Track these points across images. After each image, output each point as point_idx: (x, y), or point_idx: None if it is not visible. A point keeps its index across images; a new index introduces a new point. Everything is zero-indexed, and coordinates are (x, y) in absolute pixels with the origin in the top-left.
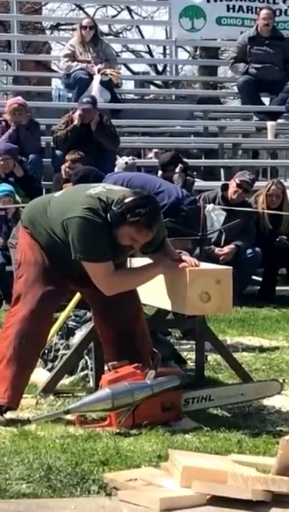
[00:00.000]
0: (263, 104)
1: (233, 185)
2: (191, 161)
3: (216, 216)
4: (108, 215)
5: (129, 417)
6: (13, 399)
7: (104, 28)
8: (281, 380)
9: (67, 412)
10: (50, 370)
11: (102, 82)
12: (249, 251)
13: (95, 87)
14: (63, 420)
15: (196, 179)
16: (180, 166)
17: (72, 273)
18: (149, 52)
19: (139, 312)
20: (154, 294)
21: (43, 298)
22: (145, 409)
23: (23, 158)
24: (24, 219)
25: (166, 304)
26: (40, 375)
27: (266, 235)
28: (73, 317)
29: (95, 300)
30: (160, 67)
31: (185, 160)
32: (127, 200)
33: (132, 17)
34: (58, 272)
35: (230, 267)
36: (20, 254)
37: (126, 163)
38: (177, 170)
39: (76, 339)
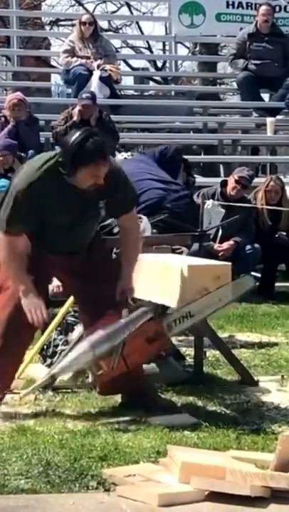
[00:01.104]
0: (262, 100)
1: (231, 181)
2: (190, 157)
3: (214, 214)
4: (58, 170)
5: (120, 360)
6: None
7: (103, 23)
8: (280, 376)
9: (53, 377)
10: (49, 365)
11: (101, 78)
12: (248, 247)
13: (94, 83)
14: (62, 416)
15: (196, 175)
16: (181, 165)
17: (60, 251)
18: (149, 48)
19: None
20: (152, 289)
21: None
22: (131, 347)
23: (23, 154)
24: None
25: (164, 300)
26: (38, 371)
27: (265, 231)
28: (72, 312)
29: (81, 294)
30: (159, 63)
31: (185, 157)
32: (70, 143)
33: (132, 13)
34: (42, 260)
35: (230, 263)
36: None
37: (125, 158)
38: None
39: (75, 335)
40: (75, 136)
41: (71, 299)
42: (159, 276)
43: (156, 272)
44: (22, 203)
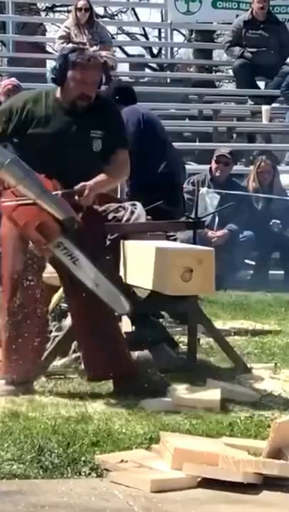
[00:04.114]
0: (258, 88)
1: (213, 164)
2: (185, 145)
3: (209, 199)
4: (50, 92)
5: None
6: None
7: (99, 10)
8: (273, 364)
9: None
10: None
11: None
12: (242, 235)
13: None
14: (55, 402)
15: (190, 162)
16: None
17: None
18: (145, 35)
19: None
20: (138, 274)
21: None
22: (23, 211)
23: None
24: None
25: (149, 284)
26: None
27: (259, 218)
28: (66, 299)
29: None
30: (155, 50)
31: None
32: (60, 54)
33: None
34: None
35: (212, 248)
36: None
37: None
38: None
39: (68, 321)
40: (67, 47)
41: None
42: (143, 260)
43: (141, 257)
44: (10, 109)
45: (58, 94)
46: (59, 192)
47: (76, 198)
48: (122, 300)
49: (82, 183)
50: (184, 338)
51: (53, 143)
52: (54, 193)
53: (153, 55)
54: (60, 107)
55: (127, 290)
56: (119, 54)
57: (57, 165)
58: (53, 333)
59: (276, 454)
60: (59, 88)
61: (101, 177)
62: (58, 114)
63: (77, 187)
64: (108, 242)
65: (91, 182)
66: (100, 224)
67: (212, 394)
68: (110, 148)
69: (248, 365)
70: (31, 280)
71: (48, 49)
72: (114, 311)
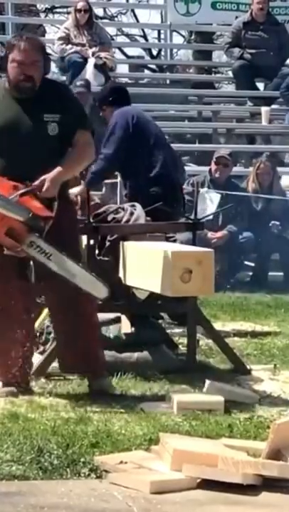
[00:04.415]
0: (257, 89)
1: (213, 165)
2: (184, 146)
3: (210, 200)
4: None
5: None
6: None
7: (99, 11)
8: (273, 365)
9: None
10: (41, 353)
11: (96, 66)
12: (241, 236)
13: (89, 71)
14: (54, 403)
15: (190, 164)
16: None
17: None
18: (144, 36)
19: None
20: (137, 275)
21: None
22: None
23: None
24: None
25: (149, 285)
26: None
27: (259, 219)
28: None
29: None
30: (155, 52)
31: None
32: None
33: (127, 0)
34: None
35: (212, 250)
36: None
37: None
38: None
39: None
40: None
41: None
42: (144, 262)
43: (141, 258)
44: None
45: (6, 83)
46: (18, 192)
47: (38, 193)
48: (101, 285)
49: (41, 178)
50: (184, 340)
51: (7, 134)
52: (12, 195)
53: (152, 57)
54: (9, 96)
55: (127, 291)
56: (118, 55)
57: (16, 156)
58: (52, 334)
59: (275, 455)
60: (6, 77)
61: (61, 166)
62: (8, 105)
63: (36, 182)
64: (108, 244)
65: (50, 174)
66: (75, 213)
67: (215, 396)
68: (69, 130)
69: (248, 367)
70: (13, 281)
71: (48, 50)
72: (95, 299)
